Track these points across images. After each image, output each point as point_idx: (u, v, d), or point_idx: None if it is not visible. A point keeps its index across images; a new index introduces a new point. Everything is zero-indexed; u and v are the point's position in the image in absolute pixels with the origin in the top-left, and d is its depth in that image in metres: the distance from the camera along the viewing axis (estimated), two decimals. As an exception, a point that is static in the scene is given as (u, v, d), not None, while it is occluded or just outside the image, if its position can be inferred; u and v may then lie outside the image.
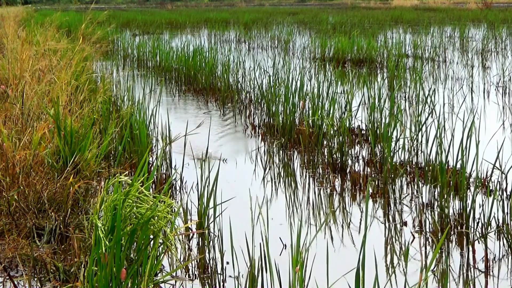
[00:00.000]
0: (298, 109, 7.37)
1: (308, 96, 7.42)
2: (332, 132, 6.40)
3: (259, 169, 6.17)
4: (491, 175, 4.98)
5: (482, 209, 4.42)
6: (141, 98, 7.10)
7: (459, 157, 4.82)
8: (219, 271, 3.77)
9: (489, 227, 4.26)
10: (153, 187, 5.42)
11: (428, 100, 7.49)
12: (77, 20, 23.62)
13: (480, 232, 4.30)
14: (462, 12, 36.31)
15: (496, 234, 4.27)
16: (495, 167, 4.80)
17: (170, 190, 5.38)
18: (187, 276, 3.82)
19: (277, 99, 7.78)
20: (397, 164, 5.70)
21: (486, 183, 5.18)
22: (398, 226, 4.58)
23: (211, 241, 4.23)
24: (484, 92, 10.21)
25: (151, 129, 6.85)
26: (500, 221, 4.36)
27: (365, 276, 2.95)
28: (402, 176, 5.53)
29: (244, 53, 17.06)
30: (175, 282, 3.72)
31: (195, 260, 3.98)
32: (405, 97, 9.69)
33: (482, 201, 4.83)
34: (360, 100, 7.64)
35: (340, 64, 13.65)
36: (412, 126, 6.36)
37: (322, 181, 5.69)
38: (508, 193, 5.05)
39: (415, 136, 5.99)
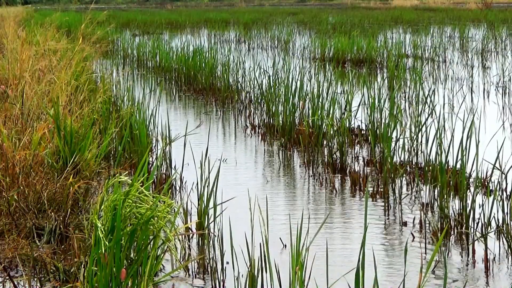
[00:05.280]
0: (298, 109, 7.37)
1: (308, 96, 7.42)
2: (332, 132, 6.40)
3: (259, 169, 6.17)
4: (491, 175, 4.98)
5: (482, 209, 4.42)
6: (141, 98, 7.10)
7: (459, 157, 4.82)
8: (219, 271, 3.77)
9: (489, 227, 4.26)
10: (153, 187, 5.42)
11: (428, 100, 7.49)
12: (77, 20, 23.61)
13: (480, 232, 4.30)
14: (462, 12, 36.31)
15: (496, 234, 4.27)
16: (495, 167, 4.80)
17: (170, 190, 5.37)
18: (187, 276, 3.82)
19: (277, 99, 7.78)
20: (397, 164, 5.70)
21: (486, 183, 5.18)
22: (398, 226, 4.58)
23: (211, 241, 4.23)
24: (484, 92, 10.20)
25: (151, 129, 6.85)
26: (500, 221, 4.36)
27: (365, 276, 2.95)
28: (402, 176, 5.53)
29: (244, 53, 17.06)
30: (175, 282, 3.72)
31: (195, 260, 3.98)
32: (405, 97, 9.69)
33: (482, 201, 4.83)
34: (360, 100, 7.64)
35: (340, 64, 13.65)
36: (412, 126, 6.37)
37: (322, 181, 5.69)
38: (508, 193, 5.05)
39: (415, 136, 5.99)
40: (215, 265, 3.86)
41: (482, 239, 4.09)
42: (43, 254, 3.89)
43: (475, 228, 4.36)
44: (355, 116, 7.21)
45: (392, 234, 4.44)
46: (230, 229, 3.64)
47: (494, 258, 3.98)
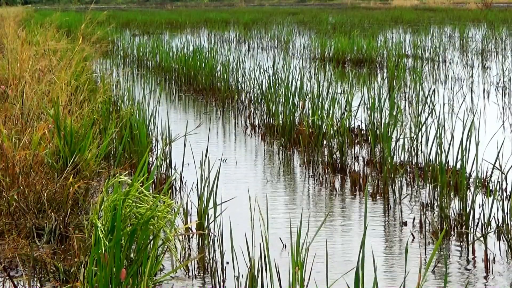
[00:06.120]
0: (298, 109, 7.37)
1: (308, 96, 7.42)
2: (332, 132, 6.40)
3: (259, 169, 6.17)
4: (491, 175, 4.98)
5: (482, 209, 4.42)
6: (141, 98, 7.10)
7: (459, 157, 4.82)
8: (219, 271, 3.77)
9: (489, 227, 4.26)
10: (153, 187, 5.41)
11: (428, 100, 7.49)
12: (77, 20, 23.61)
13: (480, 232, 4.30)
14: (462, 12, 36.30)
15: (496, 234, 4.27)
16: (495, 167, 4.80)
17: (170, 190, 5.37)
18: (187, 276, 3.82)
19: (277, 99, 7.78)
20: (397, 164, 5.70)
21: (486, 183, 5.18)
22: (398, 226, 4.58)
23: (211, 241, 4.23)
24: (484, 92, 10.21)
25: (151, 129, 6.85)
26: (500, 221, 4.36)
27: (364, 276, 2.95)
28: (402, 176, 5.53)
29: (244, 53, 17.06)
30: (175, 282, 3.72)
31: (195, 260, 3.98)
32: (405, 97, 9.69)
33: (482, 201, 4.83)
34: (360, 100, 7.63)
35: (340, 64, 13.65)
36: (412, 126, 6.37)
37: (322, 181, 5.69)
38: (508, 193, 5.05)
39: (415, 136, 5.99)
40: (215, 265, 3.86)
41: (482, 239, 4.09)
42: (43, 254, 3.89)
43: (475, 228, 4.36)
44: (355, 116, 7.21)
45: (392, 234, 4.44)
46: (230, 229, 3.65)
47: (494, 258, 3.98)
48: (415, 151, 5.97)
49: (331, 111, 6.75)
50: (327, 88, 7.40)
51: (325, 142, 6.55)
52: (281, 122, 7.27)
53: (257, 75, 9.83)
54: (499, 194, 4.95)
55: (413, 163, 5.87)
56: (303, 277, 3.13)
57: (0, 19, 21.23)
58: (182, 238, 4.25)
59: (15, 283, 3.59)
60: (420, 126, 6.05)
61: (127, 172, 5.68)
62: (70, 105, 6.41)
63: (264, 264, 3.53)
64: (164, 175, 5.71)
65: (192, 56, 12.01)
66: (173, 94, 10.97)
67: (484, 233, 4.14)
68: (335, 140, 6.27)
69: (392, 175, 5.43)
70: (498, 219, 4.36)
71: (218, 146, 7.03)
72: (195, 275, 3.83)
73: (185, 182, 5.56)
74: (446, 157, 5.01)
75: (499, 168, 4.98)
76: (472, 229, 4.34)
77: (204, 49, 12.67)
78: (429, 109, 7.20)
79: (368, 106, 6.91)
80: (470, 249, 4.12)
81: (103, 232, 3.18)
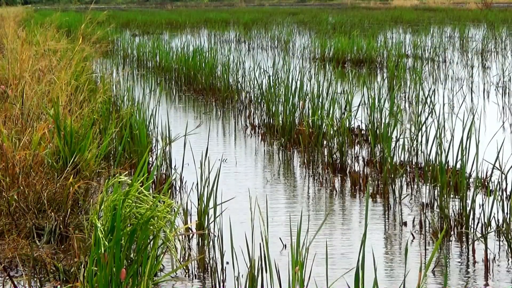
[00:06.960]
0: (298, 109, 7.37)
1: (308, 96, 7.41)
2: (332, 132, 6.40)
3: (259, 169, 6.17)
4: (491, 175, 4.98)
5: (482, 209, 4.42)
6: (141, 98, 7.10)
7: (459, 157, 4.82)
8: (219, 271, 3.77)
9: (489, 227, 4.26)
10: (153, 187, 5.41)
11: (428, 100, 7.49)
12: (77, 20, 23.58)
13: (480, 232, 4.30)
14: (462, 12, 36.30)
15: (496, 234, 4.27)
16: (495, 167, 4.80)
17: (170, 190, 5.37)
18: (187, 276, 3.82)
19: (277, 99, 7.78)
20: (397, 164, 5.70)
21: (486, 183, 5.18)
22: (398, 226, 4.58)
23: (211, 241, 4.23)
24: (484, 92, 10.21)
25: (151, 129, 6.85)
26: (500, 221, 4.36)
27: (364, 276, 2.95)
28: (402, 176, 5.53)
29: (244, 53, 17.05)
30: (175, 282, 3.72)
31: (195, 260, 3.98)
32: (405, 97, 9.69)
33: (482, 201, 4.83)
34: (360, 100, 7.63)
35: (340, 64, 13.64)
36: (412, 126, 6.37)
37: (322, 181, 5.68)
38: (508, 193, 5.05)
39: (415, 136, 5.99)
40: (215, 265, 3.86)
41: (482, 239, 4.09)
42: (43, 254, 3.89)
43: (475, 228, 4.36)
44: (355, 116, 7.20)
45: (392, 234, 4.44)
46: (230, 229, 3.64)
47: (494, 258, 3.98)
48: (415, 151, 5.97)
49: (331, 111, 6.74)
50: (327, 88, 7.40)
51: (325, 142, 6.54)
52: (281, 122, 7.27)
53: (257, 75, 9.83)
54: (499, 194, 4.95)
55: (413, 163, 5.87)
56: (303, 277, 3.13)
57: (0, 19, 21.23)
58: (182, 238, 4.25)
59: (15, 283, 3.59)
60: (420, 126, 6.05)
61: (127, 172, 5.68)
62: (70, 105, 6.40)
63: (264, 264, 3.53)
64: (164, 175, 5.70)
65: (192, 56, 12.01)
66: (173, 94, 10.97)
67: (484, 233, 4.14)
68: (335, 140, 6.27)
69: (392, 175, 5.43)
70: (498, 219, 4.36)
71: (218, 146, 7.03)
72: (195, 275, 3.83)
73: (185, 182, 5.56)
74: (446, 157, 5.01)
75: (499, 168, 4.98)
76: (472, 229, 4.34)
77: (204, 49, 12.67)
78: (429, 109, 7.20)
79: (368, 106, 6.91)
80: (470, 249, 4.12)
81: (103, 232, 3.18)
